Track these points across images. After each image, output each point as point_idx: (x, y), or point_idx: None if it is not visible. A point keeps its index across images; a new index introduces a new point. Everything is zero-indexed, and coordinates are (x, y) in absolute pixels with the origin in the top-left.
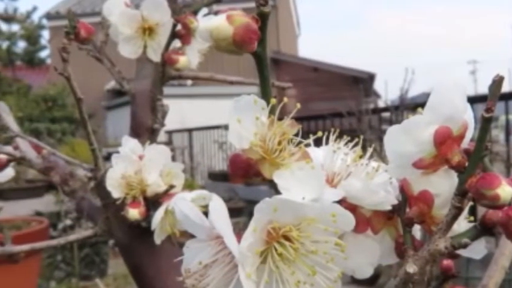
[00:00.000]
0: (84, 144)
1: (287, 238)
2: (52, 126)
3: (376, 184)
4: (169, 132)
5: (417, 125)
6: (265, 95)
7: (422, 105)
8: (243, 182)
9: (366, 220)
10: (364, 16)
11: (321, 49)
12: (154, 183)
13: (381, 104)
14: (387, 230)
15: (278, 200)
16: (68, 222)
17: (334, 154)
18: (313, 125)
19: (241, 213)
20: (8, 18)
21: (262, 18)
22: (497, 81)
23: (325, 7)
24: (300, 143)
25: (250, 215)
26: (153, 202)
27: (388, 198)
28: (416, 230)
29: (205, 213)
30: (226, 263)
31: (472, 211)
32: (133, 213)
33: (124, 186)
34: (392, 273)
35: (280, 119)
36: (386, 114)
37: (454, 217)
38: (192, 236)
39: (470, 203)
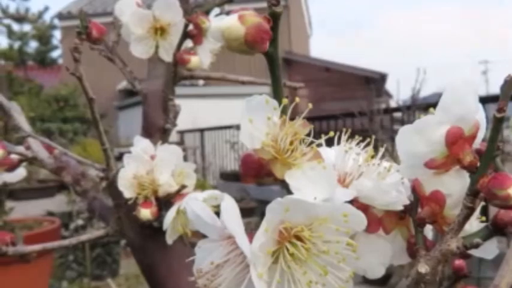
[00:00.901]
0: (95, 144)
1: (299, 238)
2: (64, 126)
3: (388, 184)
4: (181, 132)
5: (429, 125)
6: (277, 95)
7: (434, 105)
8: (254, 182)
9: (377, 220)
10: (376, 16)
11: (332, 49)
12: (166, 184)
13: (393, 104)
14: (399, 230)
15: (290, 200)
16: (80, 222)
17: (345, 154)
18: (325, 125)
19: (253, 213)
20: (20, 18)
21: (274, 18)
22: (509, 82)
23: (337, 7)
24: (311, 143)
25: (262, 215)
26: (164, 202)
27: (399, 198)
28: (428, 230)
29: (217, 213)
30: (238, 263)
31: (484, 211)
32: (145, 213)
33: (136, 186)
34: (403, 274)
35: (292, 119)
36: (397, 114)
37: (466, 217)
38: (204, 236)
39: (482, 203)
